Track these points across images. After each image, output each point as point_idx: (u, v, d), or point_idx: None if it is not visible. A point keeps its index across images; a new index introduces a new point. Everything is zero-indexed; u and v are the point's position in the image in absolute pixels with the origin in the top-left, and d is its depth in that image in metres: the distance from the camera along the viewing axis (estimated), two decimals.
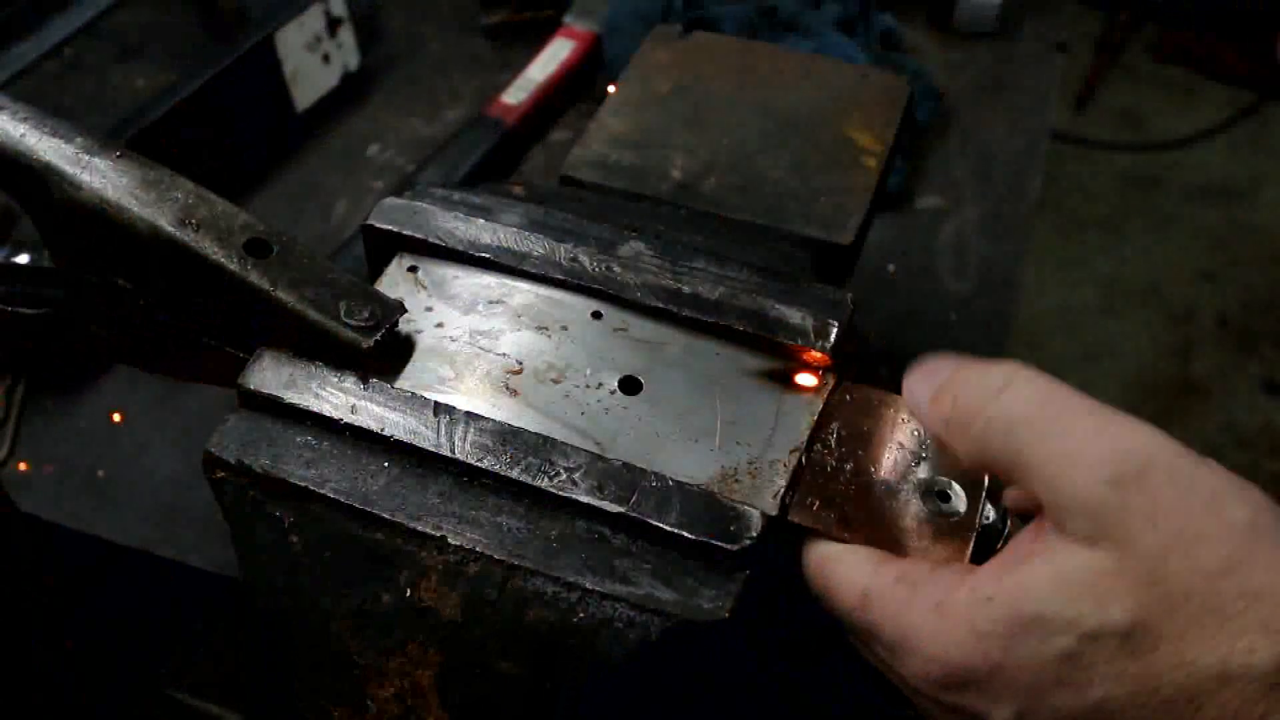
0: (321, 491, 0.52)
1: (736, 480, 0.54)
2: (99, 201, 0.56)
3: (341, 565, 0.52)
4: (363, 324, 0.56)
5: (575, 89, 1.33)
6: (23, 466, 1.01)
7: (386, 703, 0.51)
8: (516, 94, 1.27)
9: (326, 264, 0.58)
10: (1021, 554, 0.45)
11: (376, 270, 0.64)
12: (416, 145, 1.28)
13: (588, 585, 0.49)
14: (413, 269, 0.63)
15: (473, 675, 0.50)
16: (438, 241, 0.63)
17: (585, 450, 0.53)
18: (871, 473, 0.54)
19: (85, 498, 0.99)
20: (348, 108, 1.33)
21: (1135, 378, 2.57)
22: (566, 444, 0.53)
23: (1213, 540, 0.41)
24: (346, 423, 0.54)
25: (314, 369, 0.55)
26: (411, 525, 0.51)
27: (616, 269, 0.61)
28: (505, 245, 0.62)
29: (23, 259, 1.02)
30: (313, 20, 1.24)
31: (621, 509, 0.51)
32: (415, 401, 0.54)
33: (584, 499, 0.51)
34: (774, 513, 0.52)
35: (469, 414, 0.54)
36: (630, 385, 0.58)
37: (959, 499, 0.52)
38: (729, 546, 0.49)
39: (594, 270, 0.61)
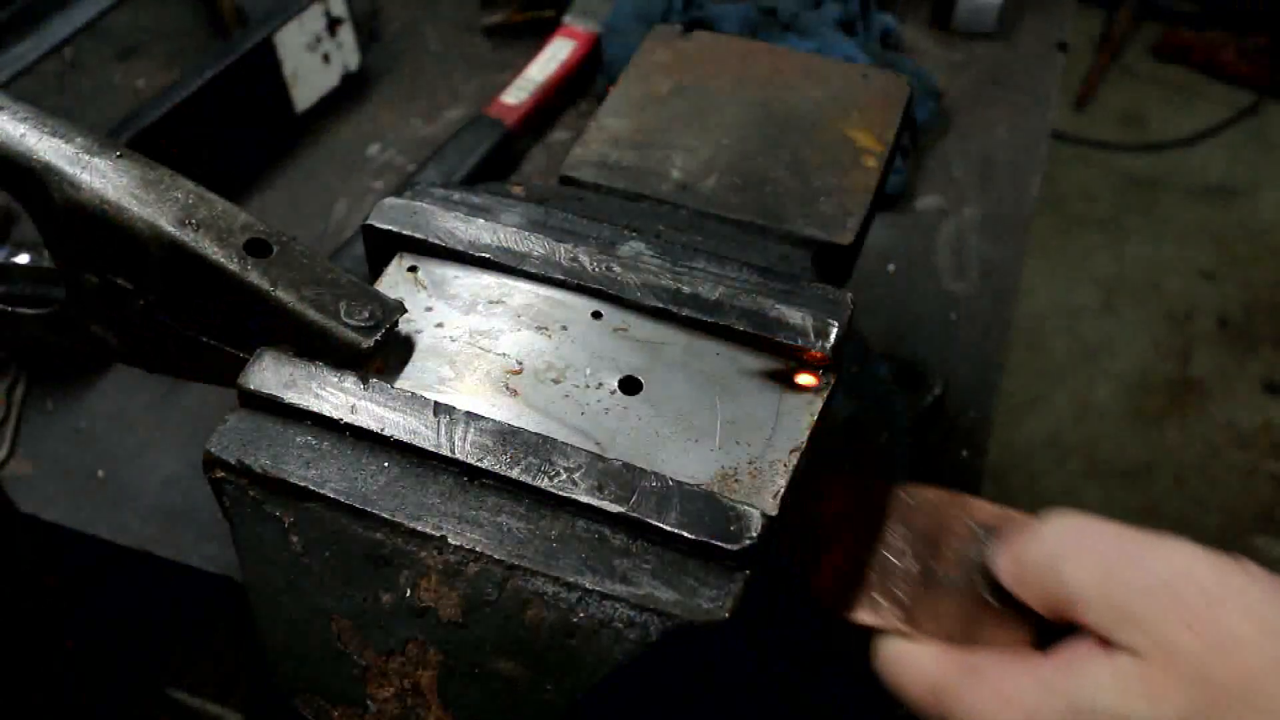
0: (321, 491, 0.52)
1: (736, 480, 0.54)
2: (99, 201, 0.56)
3: (341, 565, 0.52)
4: (363, 324, 0.56)
5: (575, 89, 1.33)
6: (23, 467, 1.01)
7: (386, 703, 0.51)
8: (516, 94, 1.27)
9: (326, 264, 0.58)
10: (1082, 652, 0.47)
11: (376, 270, 0.64)
12: (416, 145, 1.28)
13: (588, 585, 0.49)
14: (413, 269, 0.63)
15: (473, 675, 0.50)
16: (438, 241, 0.63)
17: (585, 450, 0.53)
18: (935, 568, 0.56)
19: (85, 498, 0.99)
20: (348, 108, 1.33)
21: (1135, 378, 2.57)
22: (566, 444, 0.53)
23: (1251, 643, 0.43)
24: (346, 423, 0.54)
25: (314, 369, 0.55)
26: (411, 525, 0.51)
27: (616, 269, 0.61)
28: (505, 245, 0.62)
29: (23, 259, 1.02)
30: (313, 20, 1.24)
31: (621, 509, 0.51)
32: (415, 401, 0.54)
33: (584, 499, 0.51)
34: (774, 513, 0.52)
35: (469, 414, 0.54)
36: (630, 385, 0.58)
37: None
38: (729, 546, 0.49)
39: (594, 270, 0.61)
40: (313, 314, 0.55)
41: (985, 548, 0.55)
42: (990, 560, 0.54)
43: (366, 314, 0.56)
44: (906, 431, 0.88)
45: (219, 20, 1.39)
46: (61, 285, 0.62)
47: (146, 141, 1.09)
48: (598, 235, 0.64)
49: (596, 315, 0.61)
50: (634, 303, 0.60)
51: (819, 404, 0.57)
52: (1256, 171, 3.03)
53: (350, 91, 1.33)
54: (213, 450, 0.54)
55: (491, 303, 0.61)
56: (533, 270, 0.62)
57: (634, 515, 0.50)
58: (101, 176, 0.56)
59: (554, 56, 1.31)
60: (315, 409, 0.54)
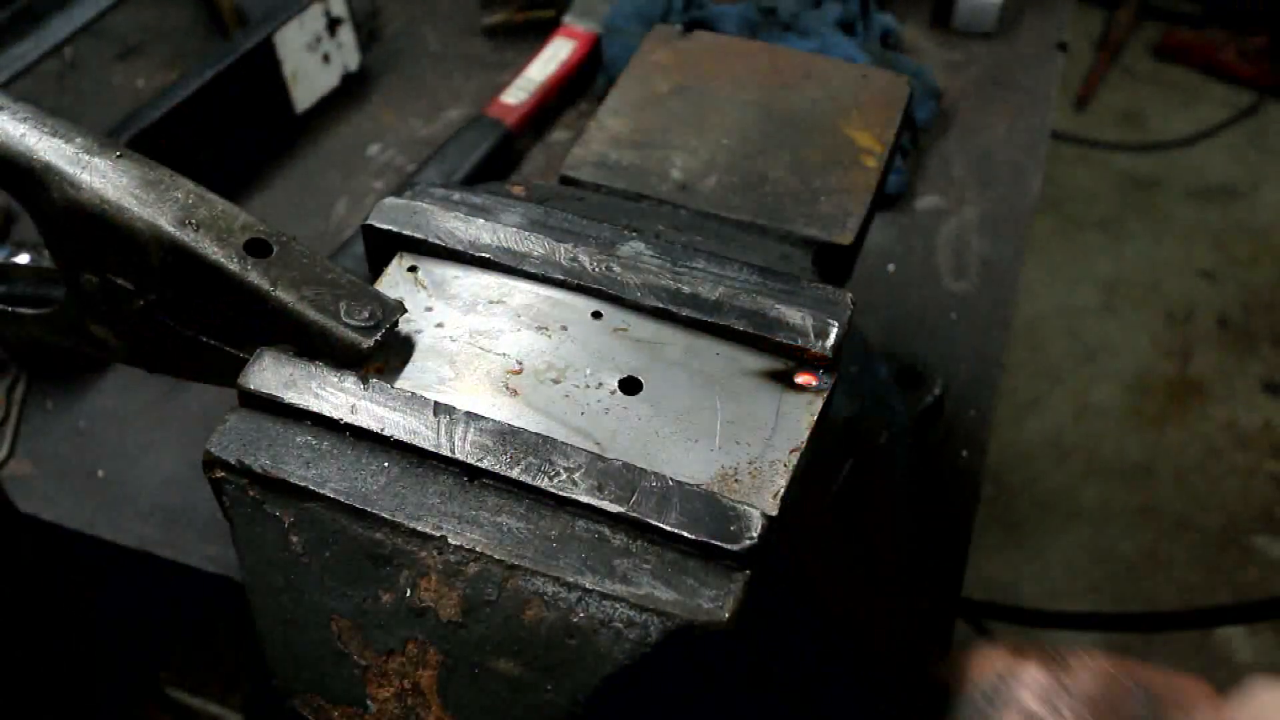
0: (321, 491, 0.52)
1: (736, 480, 0.54)
2: (99, 201, 0.56)
3: (341, 565, 0.52)
4: (363, 324, 0.56)
5: (575, 89, 1.33)
6: (23, 467, 1.01)
7: (386, 703, 0.51)
8: (516, 94, 1.27)
9: (326, 264, 0.58)
10: None
11: (376, 270, 0.64)
12: (416, 145, 1.28)
13: (587, 585, 0.49)
14: (413, 269, 0.63)
15: (473, 675, 0.50)
16: (438, 241, 0.63)
17: (585, 450, 0.53)
18: None
19: (85, 498, 0.99)
20: (348, 108, 1.33)
21: (1135, 378, 2.57)
22: (566, 444, 0.53)
23: None
24: (346, 423, 0.54)
25: (314, 369, 0.55)
26: (411, 525, 0.51)
27: (616, 269, 0.61)
28: (505, 245, 0.63)
29: (23, 259, 1.02)
30: (313, 20, 1.24)
31: (621, 509, 0.51)
32: (415, 401, 0.54)
33: (584, 499, 0.51)
34: (774, 513, 0.52)
35: (469, 414, 0.54)
36: (630, 385, 0.58)
37: None
38: (729, 546, 0.49)
39: (594, 270, 0.61)
40: (313, 314, 0.55)
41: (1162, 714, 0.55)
42: None
43: (366, 314, 0.56)
44: (906, 431, 0.88)
45: (219, 20, 1.39)
46: (61, 285, 0.62)
47: (146, 141, 1.09)
48: (598, 235, 0.64)
49: (596, 315, 0.61)
50: (634, 303, 0.60)
51: (819, 404, 0.57)
52: (1256, 171, 3.03)
53: (350, 91, 1.33)
54: (213, 450, 0.54)
55: (491, 303, 0.61)
56: (533, 270, 0.62)
57: (634, 515, 0.50)
58: (101, 176, 0.56)
59: (554, 56, 1.31)
60: (315, 409, 0.54)
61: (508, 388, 0.57)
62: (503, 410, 0.56)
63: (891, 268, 1.15)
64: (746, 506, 0.51)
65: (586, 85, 1.34)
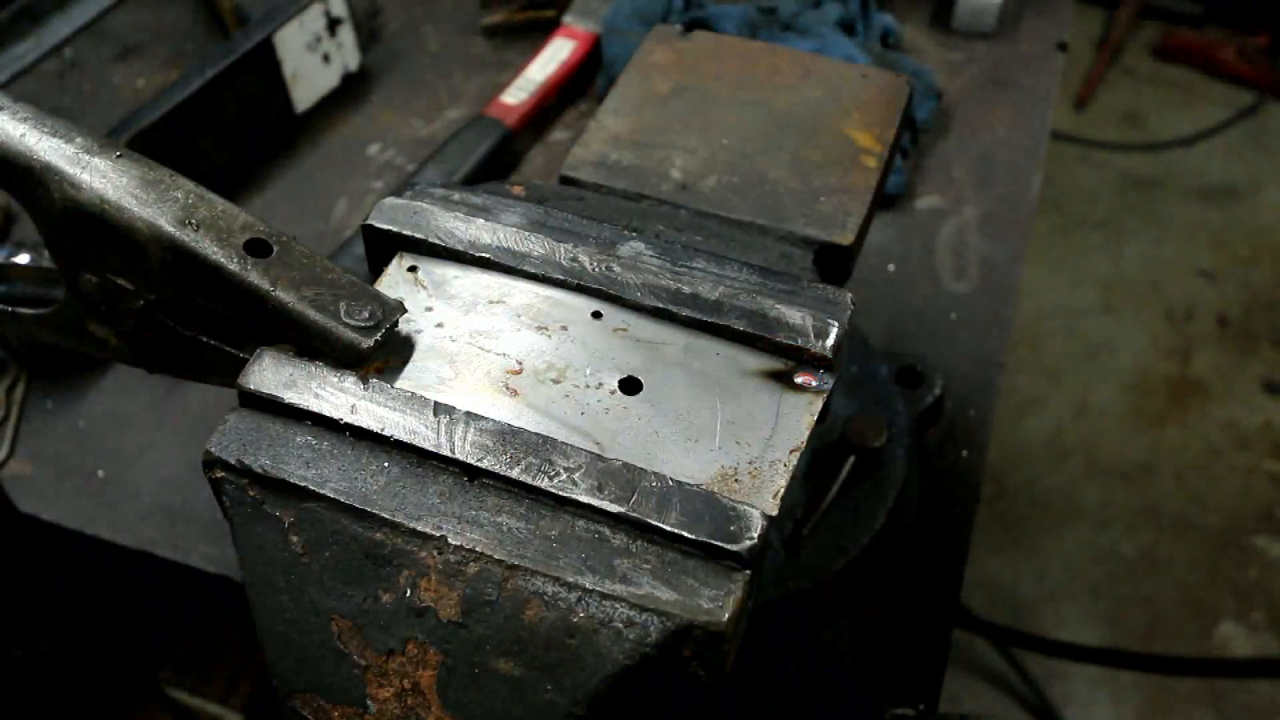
0: (321, 491, 0.52)
1: (736, 480, 0.54)
2: (99, 201, 0.56)
3: (341, 565, 0.52)
4: (363, 324, 0.56)
5: (575, 89, 1.33)
6: (23, 466, 1.01)
7: (386, 703, 0.51)
8: (516, 94, 1.27)
9: (326, 264, 0.58)
10: None
11: (376, 270, 0.64)
12: (416, 145, 1.28)
13: (587, 585, 0.49)
14: (413, 269, 0.63)
15: (473, 675, 0.50)
16: (438, 241, 0.63)
17: (585, 450, 0.53)
18: None
19: (85, 498, 0.99)
20: (348, 108, 1.33)
21: (1135, 378, 2.57)
22: (566, 444, 0.53)
23: None
24: (346, 423, 0.54)
25: (314, 369, 0.55)
26: (411, 525, 0.51)
27: (616, 269, 0.61)
28: (505, 245, 0.62)
29: (23, 259, 1.02)
30: (313, 20, 1.24)
31: (621, 509, 0.51)
32: (415, 401, 0.54)
33: (584, 499, 0.51)
34: (774, 513, 0.52)
35: (469, 414, 0.54)
36: (630, 385, 0.58)
37: None
38: (730, 546, 0.49)
39: (594, 270, 0.61)
40: (313, 314, 0.55)
41: None
42: None
43: (366, 314, 0.56)
44: (906, 431, 0.88)
45: (219, 20, 1.39)
46: (61, 285, 0.62)
47: (146, 141, 1.09)
48: (598, 235, 0.64)
49: (596, 315, 0.61)
50: (634, 303, 0.60)
51: (819, 404, 0.57)
52: (1256, 171, 3.03)
53: (350, 91, 1.33)
54: (213, 450, 0.54)
55: (491, 303, 0.61)
56: (533, 270, 0.62)
57: (634, 515, 0.50)
58: (101, 176, 0.56)
59: (554, 56, 1.31)
60: (315, 409, 0.54)
61: (508, 388, 0.57)
62: (503, 410, 0.56)
63: (891, 268, 1.15)
64: (746, 506, 0.51)
65: (586, 85, 1.34)
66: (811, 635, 0.82)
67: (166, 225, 0.55)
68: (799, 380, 0.58)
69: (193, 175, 0.59)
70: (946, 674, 0.87)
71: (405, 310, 0.58)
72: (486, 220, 0.64)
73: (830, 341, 0.58)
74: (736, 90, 0.80)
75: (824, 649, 0.82)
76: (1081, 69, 3.23)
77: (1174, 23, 3.37)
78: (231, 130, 1.22)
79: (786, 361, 0.59)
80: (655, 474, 0.52)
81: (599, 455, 0.53)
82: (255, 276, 0.55)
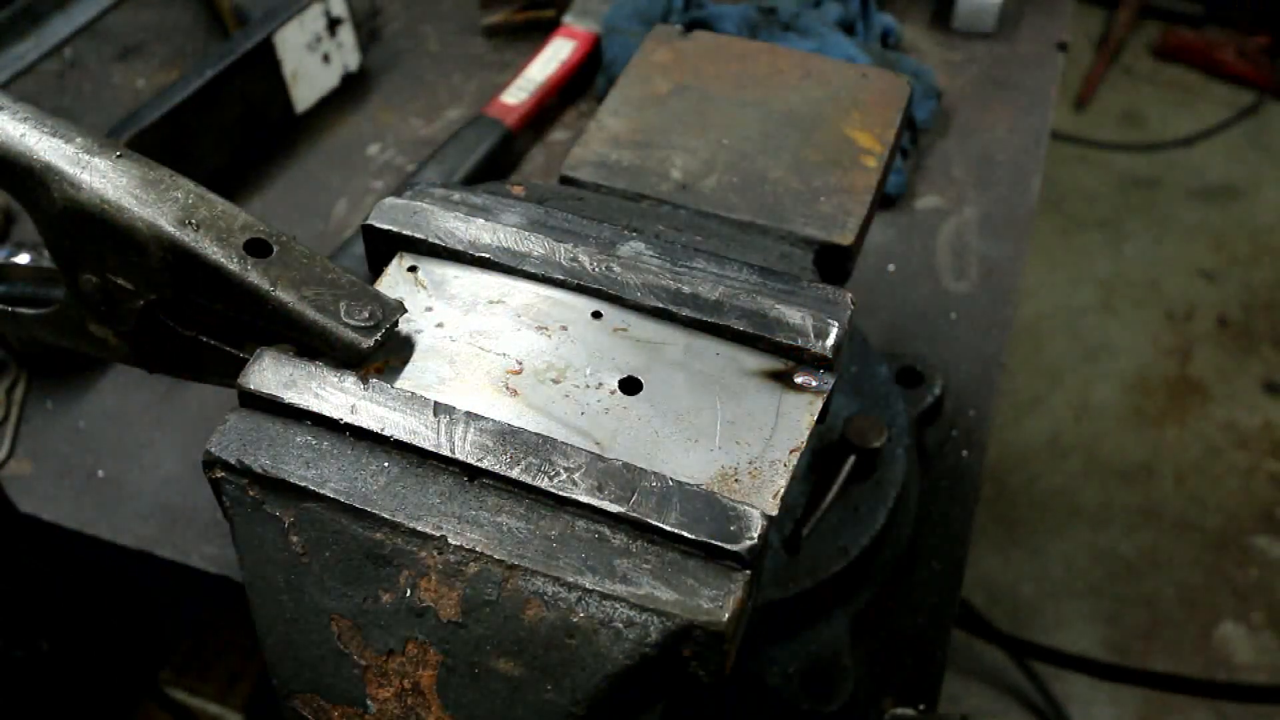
0: (321, 491, 0.52)
1: (736, 480, 0.54)
2: (99, 201, 0.56)
3: (341, 565, 0.52)
4: (363, 324, 0.56)
5: (575, 89, 1.33)
6: (23, 466, 1.01)
7: (386, 703, 0.51)
8: (516, 94, 1.27)
9: (326, 264, 0.58)
10: None
11: (376, 270, 0.64)
12: (416, 145, 1.28)
13: (587, 585, 0.49)
14: (413, 269, 0.63)
15: (473, 675, 0.50)
16: (438, 241, 0.63)
17: (585, 450, 0.53)
18: None
19: (85, 498, 0.99)
20: (348, 108, 1.33)
21: (1135, 378, 2.57)
22: (566, 444, 0.53)
23: None
24: (346, 423, 0.54)
25: (314, 369, 0.55)
26: (411, 525, 0.51)
27: (616, 269, 0.61)
28: (505, 245, 0.62)
29: (23, 259, 1.02)
30: (313, 20, 1.24)
31: (621, 509, 0.51)
32: (415, 401, 0.54)
33: (584, 499, 0.51)
34: (774, 513, 0.52)
35: (469, 414, 0.54)
36: (630, 385, 0.58)
37: None
38: (730, 546, 0.49)
39: (594, 270, 0.61)
40: (313, 314, 0.55)
41: None
42: None
43: (366, 314, 0.56)
44: (906, 431, 0.88)
45: (219, 20, 1.39)
46: (61, 285, 0.62)
47: (146, 141, 1.09)
48: (598, 235, 0.64)
49: (596, 315, 0.61)
50: (634, 303, 0.60)
51: (819, 404, 0.57)
52: (1256, 171, 3.03)
53: (350, 91, 1.33)
54: (213, 450, 0.54)
55: (491, 303, 0.61)
56: (533, 270, 0.62)
57: (634, 515, 0.50)
58: (101, 176, 0.56)
59: (554, 56, 1.31)
60: (315, 409, 0.54)
61: (508, 388, 0.57)
62: (503, 410, 0.56)
63: (891, 268, 1.15)
64: (746, 506, 0.51)
65: (586, 85, 1.34)
66: (811, 635, 0.82)
67: (166, 225, 0.55)
68: (799, 380, 0.58)
69: (193, 175, 0.59)
70: (947, 674, 0.87)
71: (405, 310, 0.58)
72: (486, 220, 0.64)
73: (830, 341, 0.58)
74: (736, 90, 0.80)
75: (824, 649, 0.82)
76: (1081, 69, 3.23)
77: (1174, 23, 3.37)
78: (231, 130, 1.22)
79: (786, 361, 0.59)
80: (655, 474, 0.52)
81: (599, 455, 0.53)
82: (255, 276, 0.55)
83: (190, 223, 0.56)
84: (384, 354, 0.57)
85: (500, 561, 0.50)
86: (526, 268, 0.62)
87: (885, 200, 1.20)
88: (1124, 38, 3.34)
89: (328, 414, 0.54)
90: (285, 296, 0.55)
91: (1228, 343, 2.63)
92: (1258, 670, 2.10)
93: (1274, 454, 2.43)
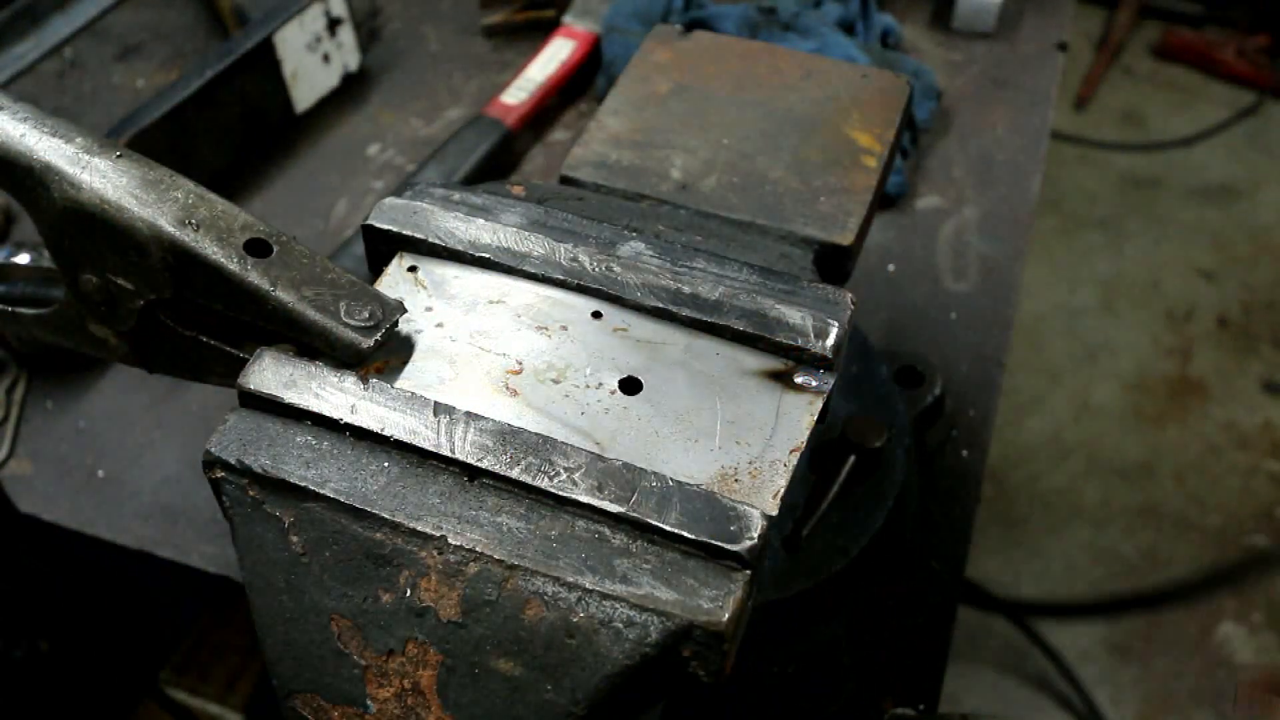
0: (321, 491, 0.52)
1: (736, 480, 0.54)
2: (99, 201, 0.56)
3: (341, 565, 0.52)
4: (363, 324, 0.56)
5: (575, 89, 1.33)
6: (23, 466, 1.01)
7: (386, 703, 0.51)
8: (516, 94, 1.27)
9: (326, 264, 0.58)
10: None
11: (376, 270, 0.64)
12: (416, 145, 1.28)
13: (587, 585, 0.49)
14: (413, 269, 0.63)
15: (473, 675, 0.50)
16: (438, 241, 0.63)
17: (585, 450, 0.53)
18: None
19: (85, 498, 0.99)
20: (348, 108, 1.33)
21: (1135, 378, 2.57)
22: (566, 444, 0.53)
23: None
24: (346, 423, 0.54)
25: (314, 369, 0.55)
26: (411, 525, 0.51)
27: (616, 269, 0.61)
28: (505, 245, 0.62)
29: (23, 259, 1.02)
30: (313, 20, 1.24)
31: (621, 509, 0.51)
32: (415, 401, 0.54)
33: (584, 499, 0.51)
34: (774, 513, 0.52)
35: (469, 414, 0.54)
36: (630, 385, 0.58)
37: None
38: (730, 546, 0.49)
39: (594, 270, 0.61)
40: (313, 314, 0.55)
41: None
42: None
43: (366, 314, 0.56)
44: (906, 431, 0.88)
45: (219, 20, 1.39)
46: (61, 285, 0.62)
47: (146, 141, 1.09)
48: (598, 235, 0.64)
49: (596, 315, 0.61)
50: (634, 303, 0.60)
51: (819, 404, 0.57)
52: (1256, 171, 3.03)
53: (350, 91, 1.33)
54: (213, 450, 0.54)
55: (491, 303, 0.61)
56: (533, 270, 0.62)
57: (634, 515, 0.50)
58: (101, 176, 0.56)
59: (554, 56, 1.31)
60: (315, 409, 0.54)
61: (508, 388, 0.57)
62: (503, 410, 0.56)
63: (891, 268, 1.15)
64: (746, 506, 0.51)
65: (586, 85, 1.34)
66: (811, 635, 0.82)
67: (166, 225, 0.55)
68: (799, 380, 0.58)
69: (193, 175, 0.59)
70: (955, 661, 0.87)
71: (405, 310, 0.58)
72: (486, 220, 0.64)
73: (830, 341, 0.58)
74: (736, 90, 0.80)
75: (824, 649, 0.82)
76: (1081, 69, 3.23)
77: (1174, 23, 3.37)
78: (231, 130, 1.22)
79: (786, 361, 0.59)
80: (655, 474, 0.52)
81: (599, 455, 0.53)
82: (255, 276, 0.55)
83: (190, 223, 0.56)
84: (384, 354, 0.57)
85: (500, 561, 0.50)
86: (526, 268, 0.62)
87: (885, 200, 1.20)
88: (1124, 38, 3.34)
89: (328, 414, 0.54)
90: (285, 296, 0.55)
91: (1228, 343, 2.63)
92: (1257, 670, 2.10)
93: (1274, 454, 2.43)
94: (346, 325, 0.55)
